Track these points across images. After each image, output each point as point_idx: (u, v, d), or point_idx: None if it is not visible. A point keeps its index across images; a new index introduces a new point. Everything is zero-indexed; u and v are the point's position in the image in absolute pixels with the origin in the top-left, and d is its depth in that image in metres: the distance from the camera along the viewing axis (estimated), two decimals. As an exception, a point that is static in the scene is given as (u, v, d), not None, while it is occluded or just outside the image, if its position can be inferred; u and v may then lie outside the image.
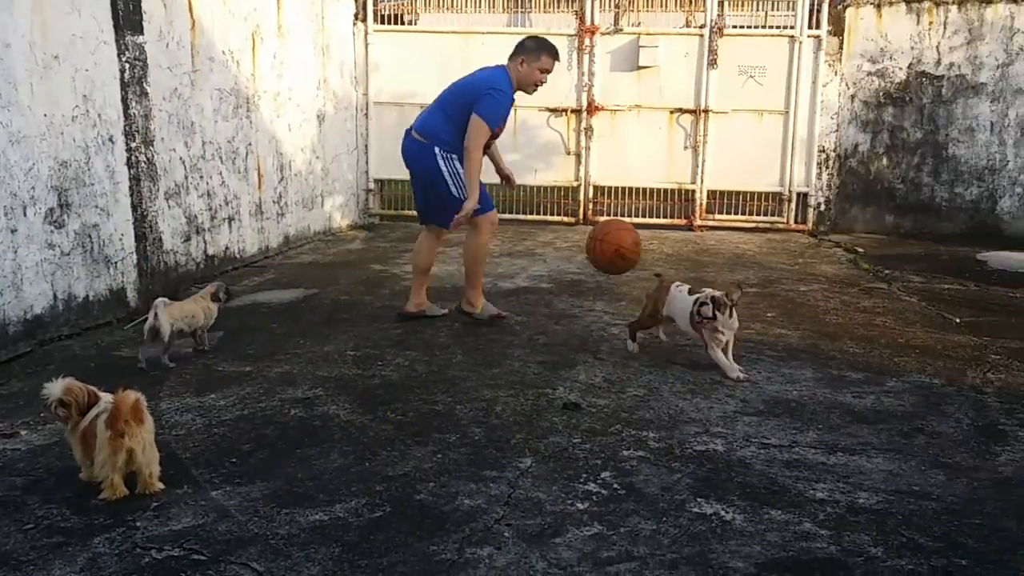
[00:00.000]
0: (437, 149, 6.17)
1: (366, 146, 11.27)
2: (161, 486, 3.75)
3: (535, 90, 6.41)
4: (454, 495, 3.77)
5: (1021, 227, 10.89)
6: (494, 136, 6.33)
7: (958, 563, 3.28)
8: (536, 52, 6.21)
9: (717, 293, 5.37)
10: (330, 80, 10.42)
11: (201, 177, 7.82)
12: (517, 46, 6.29)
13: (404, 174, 10.33)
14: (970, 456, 4.30)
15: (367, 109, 11.21)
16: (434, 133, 6.20)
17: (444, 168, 6.17)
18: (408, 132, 6.37)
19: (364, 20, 11.09)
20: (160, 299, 5.53)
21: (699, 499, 3.77)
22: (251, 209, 8.71)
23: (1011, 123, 10.78)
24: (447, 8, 12.06)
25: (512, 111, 10.85)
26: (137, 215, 6.86)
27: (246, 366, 5.52)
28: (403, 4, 12.47)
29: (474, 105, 6.10)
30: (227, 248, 8.30)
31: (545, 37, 6.50)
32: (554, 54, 6.29)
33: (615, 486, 3.88)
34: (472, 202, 6.10)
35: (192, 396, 4.98)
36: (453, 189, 6.19)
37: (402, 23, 11.87)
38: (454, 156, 6.17)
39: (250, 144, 8.65)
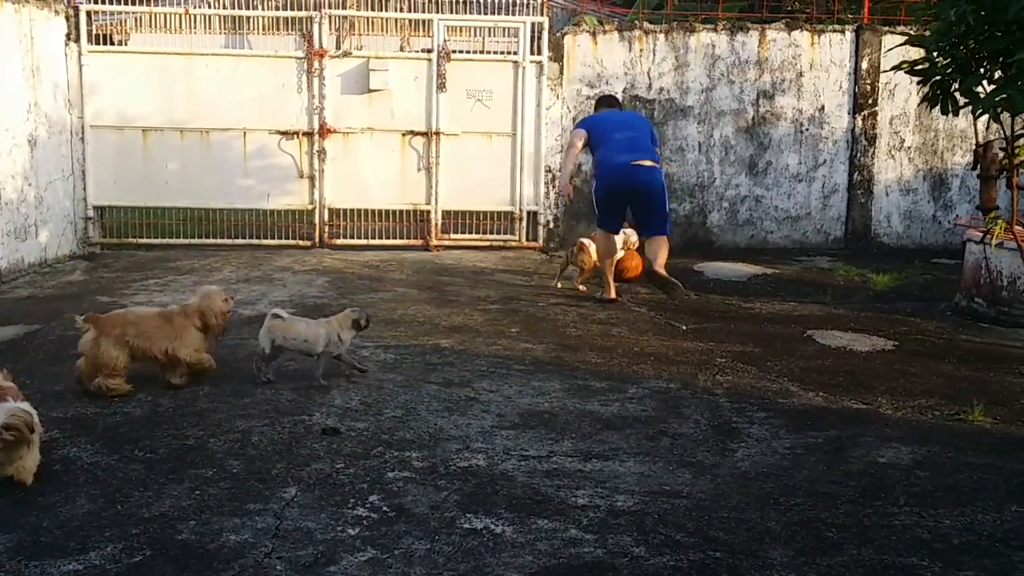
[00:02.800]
0: (661, 171, 8.23)
1: (83, 171, 10.63)
2: None
3: None
4: (218, 532, 3.64)
5: (729, 239, 11.78)
6: None
7: (713, 555, 3.52)
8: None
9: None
10: (42, 103, 9.76)
11: (-102, 208, 7.12)
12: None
13: (128, 201, 9.84)
14: (711, 454, 4.62)
15: (83, 133, 10.59)
16: (656, 159, 8.17)
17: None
18: (631, 164, 7.95)
19: (77, 41, 10.47)
20: (276, 310, 5.64)
21: (468, 515, 3.83)
22: (-43, 241, 8.01)
23: (716, 143, 11.66)
24: (161, 28, 11.62)
25: (242, 134, 10.69)
26: None
27: (-33, 412, 5.07)
28: (112, 24, 11.89)
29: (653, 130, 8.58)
30: (-69, 285, 7.60)
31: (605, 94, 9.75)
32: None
33: (384, 509, 3.87)
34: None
35: (-93, 449, 4.51)
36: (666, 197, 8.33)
37: (112, 43, 11.31)
38: None
39: (-46, 171, 7.96)
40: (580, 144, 8.32)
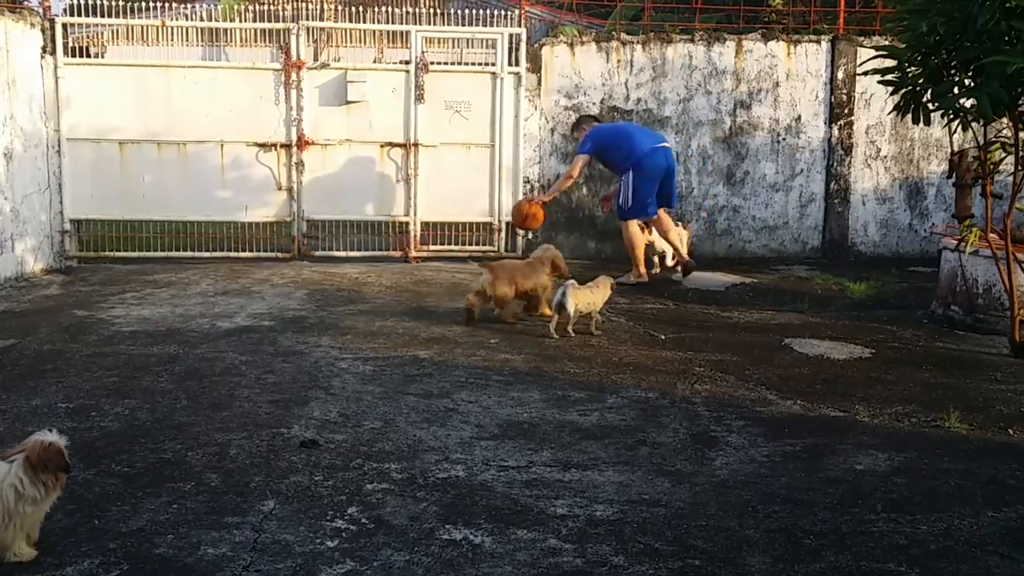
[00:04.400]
0: None
1: (60, 185, 10.56)
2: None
3: None
4: (196, 545, 3.62)
5: (707, 249, 11.80)
6: None
7: (692, 563, 3.53)
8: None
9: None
10: (17, 116, 9.70)
11: None
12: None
13: (105, 214, 9.83)
14: (689, 463, 4.64)
15: (59, 146, 10.52)
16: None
17: None
18: (659, 148, 9.67)
19: (53, 53, 10.41)
20: (570, 281, 7.35)
21: (447, 526, 3.83)
22: (-68, 256, 7.95)
23: (694, 153, 11.71)
24: (138, 41, 11.57)
25: (219, 146, 10.67)
26: None
27: (-58, 427, 5.04)
28: (89, 36, 11.84)
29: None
30: (-95, 299, 7.53)
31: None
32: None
33: (363, 520, 3.87)
34: None
35: None
36: None
37: (88, 56, 11.25)
38: None
39: (-72, 185, 7.91)
40: (580, 168, 9.97)
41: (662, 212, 9.87)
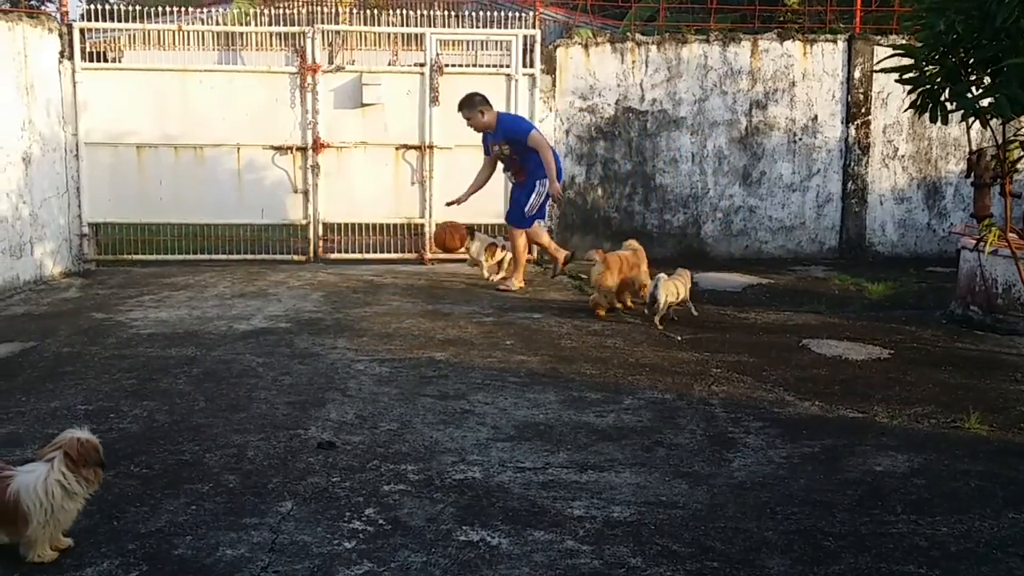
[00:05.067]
0: None
1: (78, 189, 10.63)
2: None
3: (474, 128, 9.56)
4: (215, 546, 3.63)
5: (723, 250, 11.80)
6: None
7: (710, 566, 3.52)
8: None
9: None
10: (36, 121, 9.76)
11: None
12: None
13: (122, 217, 9.87)
14: (707, 464, 4.62)
15: (77, 150, 10.58)
16: None
17: None
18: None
19: (71, 58, 10.47)
20: (661, 274, 7.80)
21: (464, 527, 3.83)
22: (-49, 259, 8.01)
23: (709, 154, 11.68)
24: (155, 45, 11.63)
25: (235, 150, 10.69)
26: None
27: (-38, 429, 5.07)
28: (106, 41, 11.91)
29: None
30: (-75, 303, 7.59)
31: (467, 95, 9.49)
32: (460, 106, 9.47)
33: (380, 522, 3.87)
34: None
35: (-99, 466, 4.51)
36: None
37: (105, 60, 11.32)
38: None
39: (-52, 189, 7.97)
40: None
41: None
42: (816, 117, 11.72)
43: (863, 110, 11.72)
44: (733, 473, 4.50)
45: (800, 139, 11.73)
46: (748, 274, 10.46)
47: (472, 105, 9.38)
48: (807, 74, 11.64)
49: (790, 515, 3.98)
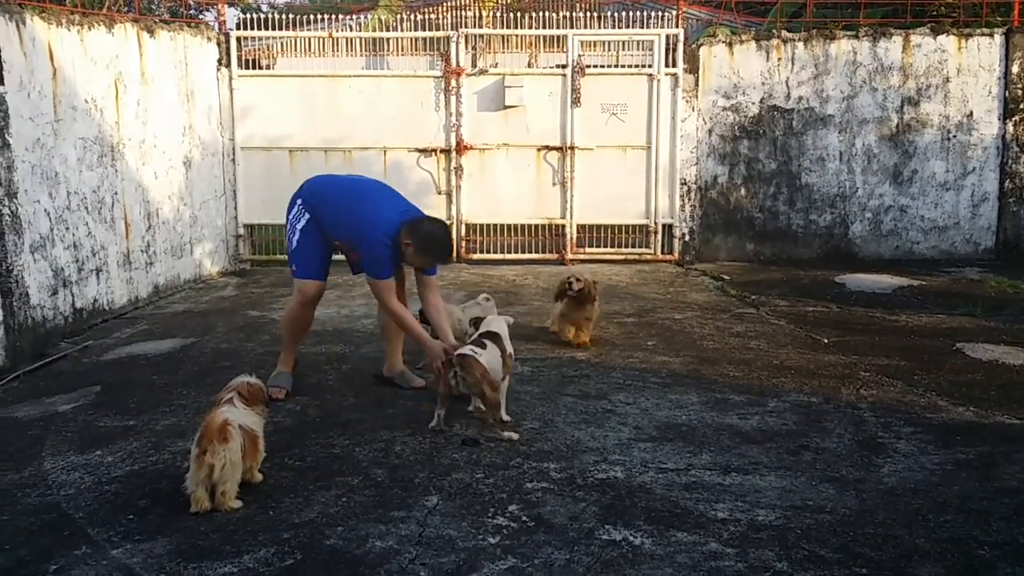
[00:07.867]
0: None
1: (234, 191, 11.09)
2: (237, 504, 4.04)
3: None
4: (364, 538, 3.75)
5: (872, 250, 11.47)
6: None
7: (859, 572, 3.45)
8: (423, 252, 5.76)
9: None
10: (196, 126, 10.24)
11: (67, 228, 7.59)
12: (415, 229, 5.70)
13: (275, 219, 10.21)
14: (855, 469, 4.52)
15: (234, 154, 11.05)
16: None
17: None
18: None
19: (228, 65, 10.95)
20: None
21: (607, 526, 3.85)
22: (119, 259, 8.47)
23: (858, 152, 11.37)
24: (305, 52, 12.02)
25: (382, 152, 10.94)
26: (2, 270, 6.61)
27: (129, 420, 5.37)
28: (260, 48, 12.37)
29: None
30: (95, 300, 8.04)
31: (440, 242, 5.85)
32: (437, 259, 6.02)
33: (524, 518, 3.93)
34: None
35: (76, 454, 4.82)
36: None
37: (259, 67, 11.77)
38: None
39: (116, 193, 8.43)
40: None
41: None
42: (971, 113, 11.28)
43: (1022, 106, 11.21)
44: (883, 479, 4.39)
45: (954, 136, 11.30)
46: (898, 275, 10.13)
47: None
48: (962, 69, 11.21)
49: (943, 523, 3.87)
